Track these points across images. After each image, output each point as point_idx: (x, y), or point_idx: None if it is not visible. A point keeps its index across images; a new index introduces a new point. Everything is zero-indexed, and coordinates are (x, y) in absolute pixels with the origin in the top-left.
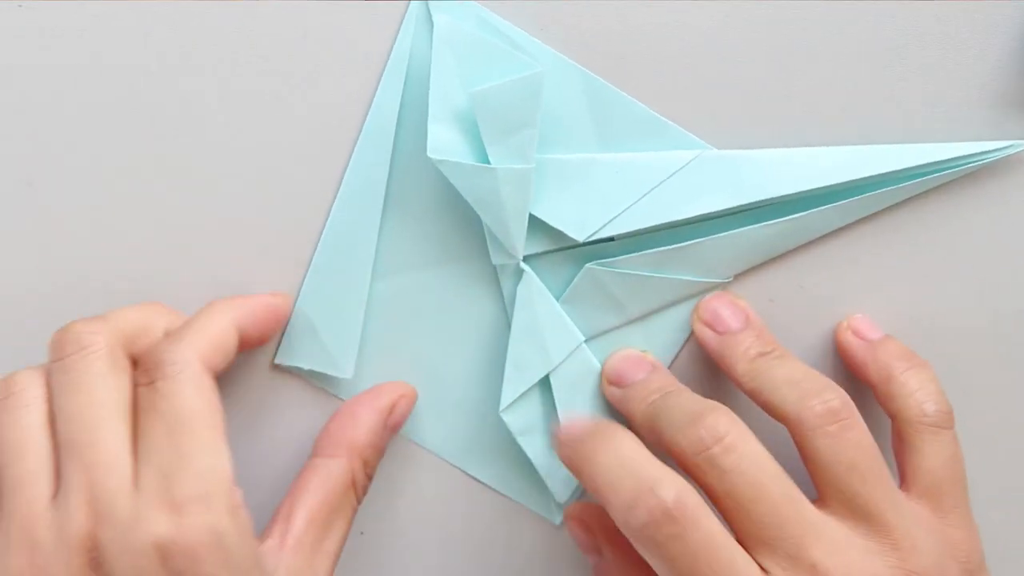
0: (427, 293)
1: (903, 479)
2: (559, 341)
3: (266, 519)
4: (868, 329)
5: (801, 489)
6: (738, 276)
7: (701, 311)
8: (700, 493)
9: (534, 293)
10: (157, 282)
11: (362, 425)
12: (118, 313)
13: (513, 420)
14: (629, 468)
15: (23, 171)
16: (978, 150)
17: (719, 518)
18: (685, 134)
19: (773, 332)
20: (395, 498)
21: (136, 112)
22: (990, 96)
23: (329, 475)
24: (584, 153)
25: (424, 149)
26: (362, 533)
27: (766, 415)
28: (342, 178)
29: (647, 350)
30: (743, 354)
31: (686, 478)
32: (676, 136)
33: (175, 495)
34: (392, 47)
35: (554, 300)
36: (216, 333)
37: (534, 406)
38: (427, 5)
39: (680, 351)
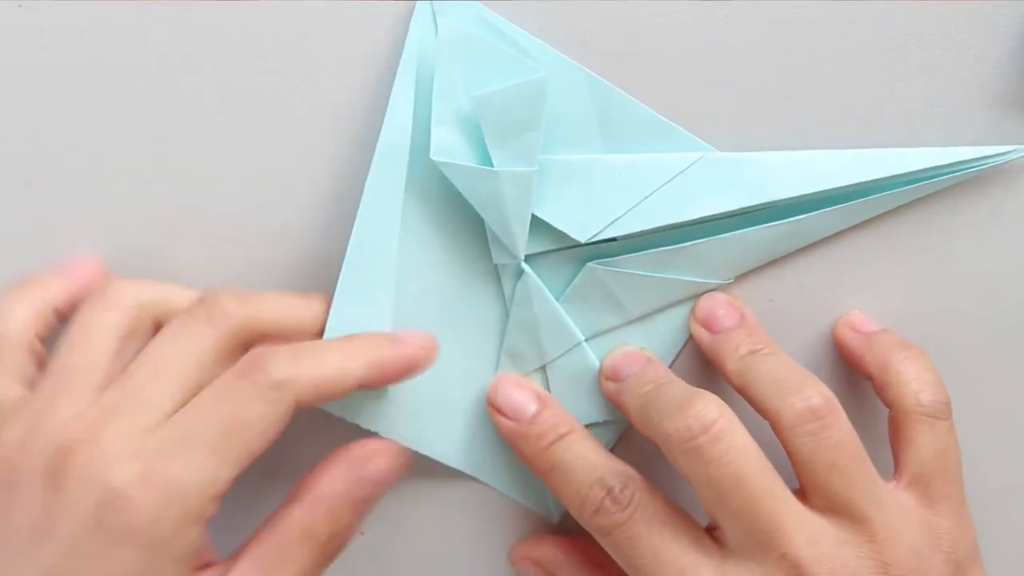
0: (428, 293)
1: (896, 467)
2: (556, 338)
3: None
4: (865, 323)
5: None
6: (738, 277)
7: (697, 311)
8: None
9: (532, 290)
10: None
11: (327, 474)
12: (263, 301)
13: None
14: (582, 463)
15: (23, 171)
16: (979, 155)
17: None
18: (688, 136)
19: (773, 332)
20: (395, 498)
21: (136, 112)
22: (990, 96)
23: (276, 524)
24: (587, 154)
25: (426, 151)
26: (362, 533)
27: None
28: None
29: (647, 350)
30: (733, 351)
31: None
32: (679, 138)
33: (159, 466)
34: (401, 48)
35: (552, 298)
36: (330, 377)
37: None
38: (431, 5)
39: (680, 352)
